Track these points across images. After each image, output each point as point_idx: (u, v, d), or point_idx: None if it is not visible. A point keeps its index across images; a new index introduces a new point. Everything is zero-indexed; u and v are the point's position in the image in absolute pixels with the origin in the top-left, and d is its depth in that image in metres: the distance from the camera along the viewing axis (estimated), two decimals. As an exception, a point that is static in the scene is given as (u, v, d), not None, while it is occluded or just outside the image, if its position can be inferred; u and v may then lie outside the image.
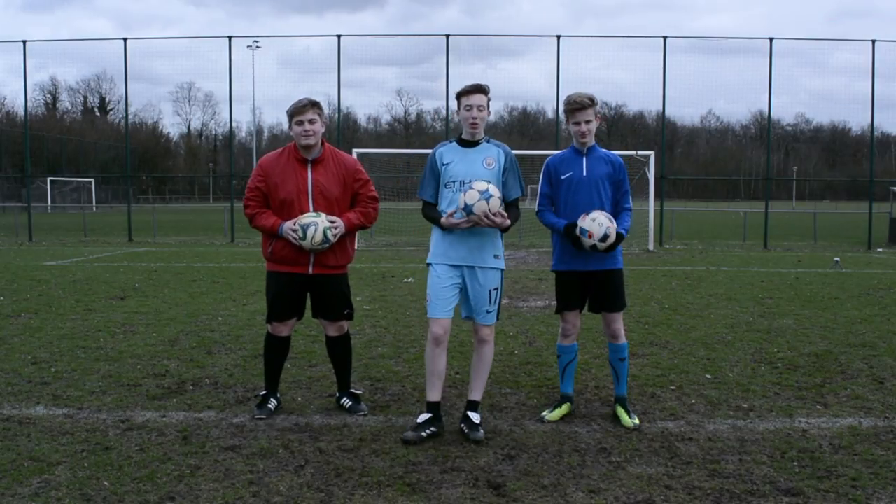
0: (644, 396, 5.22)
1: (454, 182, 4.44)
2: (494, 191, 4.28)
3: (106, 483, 3.64)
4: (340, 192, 4.67)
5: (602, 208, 4.60)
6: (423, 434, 4.28)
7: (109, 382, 5.48)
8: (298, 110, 4.53)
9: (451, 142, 4.61)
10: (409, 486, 3.63)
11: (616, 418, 4.64)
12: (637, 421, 4.58)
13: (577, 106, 4.60)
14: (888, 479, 3.74)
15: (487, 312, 4.47)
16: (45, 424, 4.51)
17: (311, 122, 4.54)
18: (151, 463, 3.91)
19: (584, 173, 4.67)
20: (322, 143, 4.68)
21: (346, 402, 4.88)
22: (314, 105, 4.58)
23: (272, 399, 4.82)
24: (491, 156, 4.52)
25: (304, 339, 7.04)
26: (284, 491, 3.57)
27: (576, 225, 4.51)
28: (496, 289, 4.46)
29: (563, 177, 4.69)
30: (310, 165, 4.63)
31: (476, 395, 4.53)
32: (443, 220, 4.36)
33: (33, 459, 3.94)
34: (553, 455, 4.07)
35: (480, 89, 4.45)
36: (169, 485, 3.64)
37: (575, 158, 4.72)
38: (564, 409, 4.75)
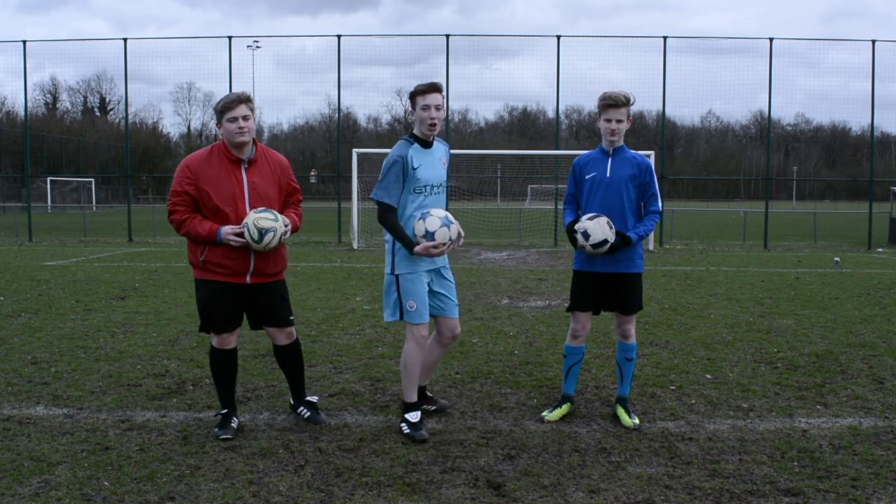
0: (644, 396, 5.22)
1: (426, 187, 4.37)
2: (452, 217, 4.31)
3: (106, 483, 3.64)
4: (276, 193, 4.41)
5: (623, 211, 4.55)
6: (425, 432, 4.31)
7: (109, 382, 5.48)
8: (230, 105, 4.20)
9: (411, 142, 4.40)
10: (409, 486, 3.63)
11: (616, 418, 4.64)
12: (637, 421, 4.58)
13: (612, 103, 4.51)
14: (888, 479, 3.74)
15: (456, 304, 4.63)
16: (45, 424, 4.51)
17: (245, 118, 4.21)
18: (151, 463, 3.91)
19: (608, 174, 4.57)
20: (254, 142, 4.35)
21: (304, 412, 4.68)
22: (247, 100, 4.26)
23: (234, 418, 4.47)
24: (443, 154, 4.51)
25: (304, 339, 7.03)
26: (284, 491, 3.58)
27: (576, 222, 4.51)
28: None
29: (587, 177, 4.63)
30: (244, 166, 4.30)
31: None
32: (419, 248, 4.22)
33: (33, 459, 3.94)
34: (553, 455, 4.08)
35: (436, 88, 4.31)
36: (169, 485, 3.64)
37: (601, 159, 4.63)
38: (565, 409, 4.75)
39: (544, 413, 4.73)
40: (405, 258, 4.36)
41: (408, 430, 4.35)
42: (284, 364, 4.71)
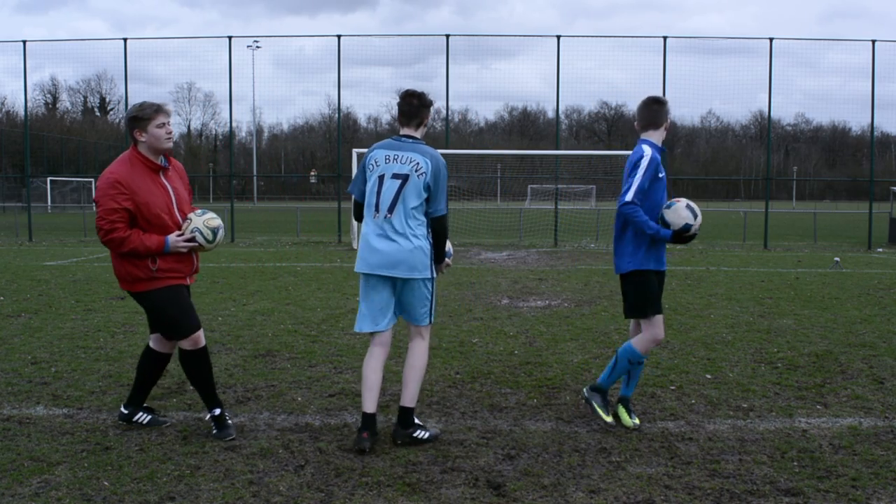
0: (644, 396, 5.22)
1: None
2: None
3: (106, 483, 3.64)
4: (188, 196, 4.44)
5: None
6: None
7: (109, 382, 5.48)
8: (160, 111, 4.17)
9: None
10: (409, 486, 3.63)
11: (616, 417, 4.64)
12: (637, 421, 4.57)
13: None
14: (888, 479, 3.74)
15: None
16: (45, 424, 4.51)
17: (170, 123, 4.22)
18: (151, 463, 3.91)
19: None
20: None
21: (144, 416, 4.53)
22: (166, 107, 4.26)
23: (227, 413, 4.48)
24: None
25: (305, 339, 7.04)
26: (284, 491, 3.57)
27: (684, 224, 4.40)
28: None
29: (660, 175, 4.55)
30: (162, 173, 4.28)
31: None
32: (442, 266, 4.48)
33: (33, 459, 3.94)
34: (553, 455, 4.07)
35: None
36: (169, 485, 3.64)
37: (663, 157, 4.63)
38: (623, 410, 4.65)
39: (636, 420, 4.55)
40: (430, 263, 4.36)
41: (429, 434, 4.29)
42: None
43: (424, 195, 4.25)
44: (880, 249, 19.81)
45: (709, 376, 5.75)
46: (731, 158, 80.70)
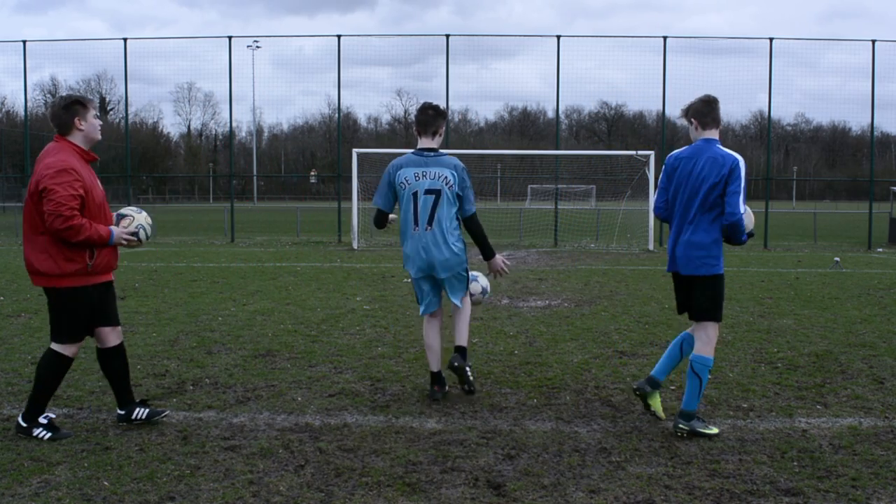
0: (644, 396, 5.21)
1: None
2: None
3: (106, 483, 3.64)
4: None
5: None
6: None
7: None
8: (91, 101, 4.17)
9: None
10: (409, 486, 3.63)
11: (648, 406, 4.66)
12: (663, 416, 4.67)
13: None
14: (888, 479, 3.74)
15: None
16: (45, 424, 4.50)
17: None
18: (151, 463, 3.91)
19: None
20: None
21: (141, 411, 4.47)
22: None
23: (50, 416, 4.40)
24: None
25: (305, 339, 7.04)
26: (284, 491, 3.57)
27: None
28: None
29: None
30: (91, 165, 4.27)
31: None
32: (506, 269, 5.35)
33: (33, 459, 3.94)
34: (553, 455, 4.07)
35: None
36: (169, 485, 3.64)
37: None
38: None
39: (711, 429, 4.44)
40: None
41: (471, 376, 5.16)
42: (117, 365, 4.41)
43: (456, 204, 4.93)
44: (880, 249, 19.81)
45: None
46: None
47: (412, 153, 4.99)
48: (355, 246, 18.71)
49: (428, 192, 4.83)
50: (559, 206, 22.46)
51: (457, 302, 5.14)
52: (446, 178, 4.84)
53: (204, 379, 5.59)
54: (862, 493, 3.57)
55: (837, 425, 4.59)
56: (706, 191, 4.38)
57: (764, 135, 45.68)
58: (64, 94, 4.18)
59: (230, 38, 21.43)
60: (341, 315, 8.40)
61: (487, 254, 5.16)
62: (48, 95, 75.40)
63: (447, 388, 5.19)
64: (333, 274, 12.75)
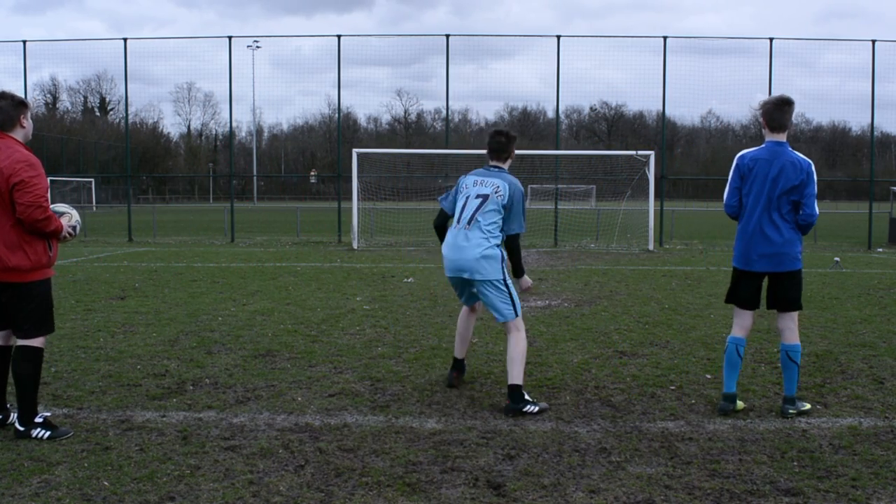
0: (644, 396, 5.22)
1: None
2: None
3: (106, 483, 3.64)
4: None
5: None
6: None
7: (109, 382, 5.48)
8: (28, 104, 4.24)
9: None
10: (409, 486, 3.63)
11: (735, 410, 4.86)
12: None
13: None
14: (888, 479, 3.74)
15: None
16: (45, 424, 4.50)
17: None
18: (151, 463, 3.91)
19: None
20: None
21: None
22: None
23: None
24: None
25: (305, 339, 7.04)
26: (284, 491, 3.58)
27: None
28: None
29: None
30: None
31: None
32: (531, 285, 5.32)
33: (33, 459, 3.94)
34: (553, 455, 4.08)
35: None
36: (169, 485, 3.64)
37: None
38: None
39: (807, 405, 4.89)
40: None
41: (535, 408, 4.82)
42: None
43: (501, 214, 4.99)
44: (880, 249, 19.81)
45: (709, 376, 5.75)
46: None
47: (484, 167, 5.24)
48: (355, 246, 18.71)
49: (478, 195, 5.04)
50: (559, 206, 22.45)
51: (497, 315, 5.04)
52: (497, 187, 5.00)
53: (204, 379, 5.59)
54: (862, 493, 3.57)
55: (837, 425, 4.59)
56: (787, 192, 4.64)
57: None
58: (2, 90, 4.24)
59: (230, 38, 21.43)
60: (341, 315, 8.40)
61: (517, 272, 5.24)
62: (48, 95, 75.47)
63: (465, 375, 5.52)
64: (333, 274, 12.75)
